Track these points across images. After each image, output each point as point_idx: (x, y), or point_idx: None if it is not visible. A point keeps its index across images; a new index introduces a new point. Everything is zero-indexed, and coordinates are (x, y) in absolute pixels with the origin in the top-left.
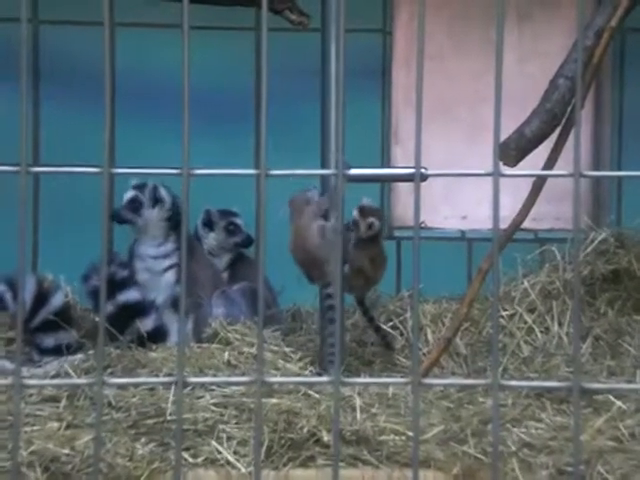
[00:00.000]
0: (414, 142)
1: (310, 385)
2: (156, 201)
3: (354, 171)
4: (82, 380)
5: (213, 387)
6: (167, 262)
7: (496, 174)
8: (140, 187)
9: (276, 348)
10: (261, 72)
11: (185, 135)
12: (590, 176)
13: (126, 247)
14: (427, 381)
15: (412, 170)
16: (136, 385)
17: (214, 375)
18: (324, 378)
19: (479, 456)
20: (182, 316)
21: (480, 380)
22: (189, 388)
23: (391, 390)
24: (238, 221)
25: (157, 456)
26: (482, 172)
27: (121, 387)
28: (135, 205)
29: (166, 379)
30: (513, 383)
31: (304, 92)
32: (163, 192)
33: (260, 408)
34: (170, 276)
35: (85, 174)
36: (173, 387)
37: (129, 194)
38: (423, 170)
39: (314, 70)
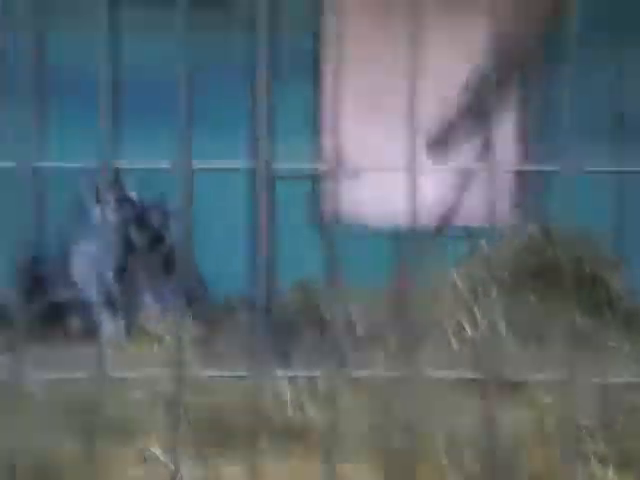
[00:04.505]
0: (346, 136)
1: (242, 379)
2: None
3: (279, 166)
4: None
5: (144, 384)
6: (106, 261)
7: (412, 169)
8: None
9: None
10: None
11: (103, 126)
12: (506, 170)
13: (57, 244)
14: (349, 372)
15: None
16: (63, 381)
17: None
18: (246, 372)
19: (407, 449)
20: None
21: (401, 372)
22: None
23: (322, 383)
24: (155, 217)
25: (85, 453)
26: (399, 167)
27: (49, 383)
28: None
29: (86, 374)
30: (434, 374)
31: (242, 84)
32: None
33: (179, 401)
34: (108, 275)
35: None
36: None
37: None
38: (343, 167)
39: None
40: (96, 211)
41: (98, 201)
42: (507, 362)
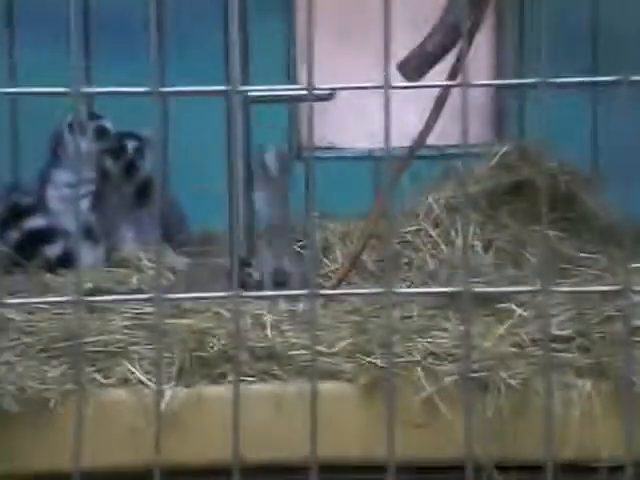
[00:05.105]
0: (321, 63)
1: (219, 304)
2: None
3: (254, 90)
4: None
5: (125, 310)
6: (82, 190)
7: (386, 86)
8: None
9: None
10: None
11: (74, 52)
12: (477, 85)
13: (32, 172)
14: (323, 292)
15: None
16: (42, 308)
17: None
18: (221, 293)
19: (385, 367)
20: (78, 232)
21: (375, 289)
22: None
23: (301, 306)
24: (129, 145)
25: (68, 378)
26: (372, 85)
27: (27, 311)
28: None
29: (64, 298)
30: (405, 290)
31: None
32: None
33: (160, 325)
34: (84, 204)
35: None
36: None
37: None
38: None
39: None
40: (70, 139)
41: (71, 129)
42: (483, 279)
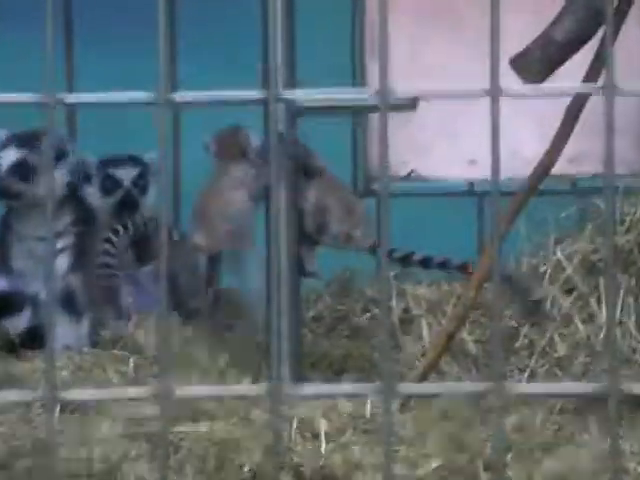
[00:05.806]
0: (396, 53)
1: (251, 403)
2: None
3: (299, 96)
4: None
5: (115, 413)
6: (59, 244)
7: (494, 92)
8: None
9: (202, 353)
10: None
11: (48, 54)
12: (628, 93)
13: None
14: (404, 389)
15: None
16: None
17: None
18: (257, 387)
19: None
20: (52, 301)
21: (478, 384)
22: (73, 411)
23: (368, 408)
24: (119, 174)
25: None
26: (475, 91)
27: None
28: (24, 171)
29: (29, 395)
30: (524, 387)
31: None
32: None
33: (165, 434)
34: (62, 262)
35: None
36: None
37: (11, 153)
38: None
39: None
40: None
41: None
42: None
